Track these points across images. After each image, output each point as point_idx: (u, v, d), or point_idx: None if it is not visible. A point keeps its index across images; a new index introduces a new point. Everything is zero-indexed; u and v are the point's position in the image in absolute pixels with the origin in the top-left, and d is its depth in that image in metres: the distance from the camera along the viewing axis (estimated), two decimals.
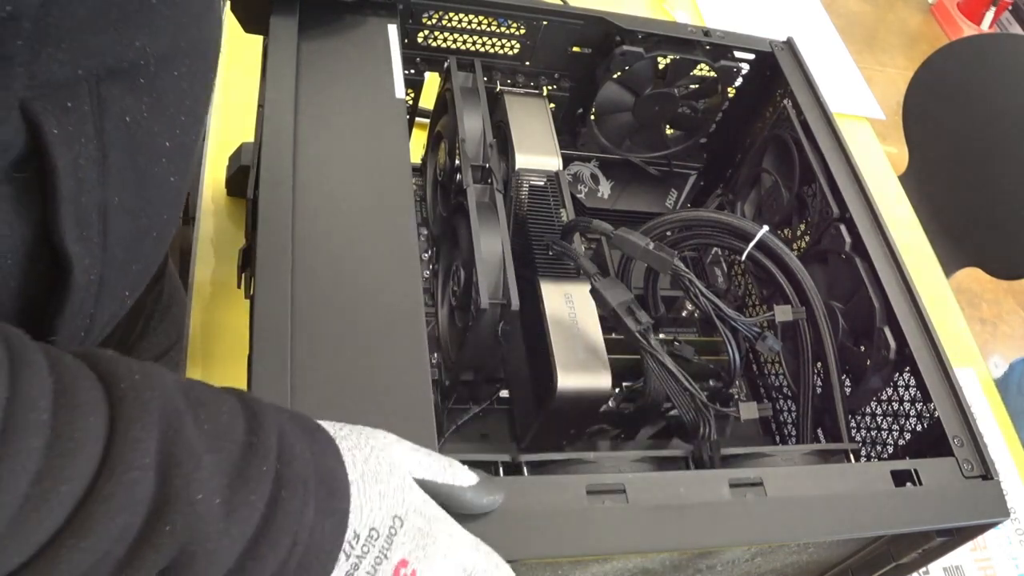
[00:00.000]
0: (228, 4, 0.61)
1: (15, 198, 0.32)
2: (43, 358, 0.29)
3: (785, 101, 0.74)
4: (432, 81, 0.74)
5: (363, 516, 0.36)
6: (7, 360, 0.28)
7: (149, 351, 0.66)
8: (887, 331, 0.60)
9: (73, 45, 0.31)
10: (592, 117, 0.79)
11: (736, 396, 0.76)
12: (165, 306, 0.66)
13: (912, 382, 0.59)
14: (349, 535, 0.35)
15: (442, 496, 0.40)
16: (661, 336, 0.76)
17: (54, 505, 0.27)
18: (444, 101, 0.71)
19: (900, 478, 0.51)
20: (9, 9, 0.27)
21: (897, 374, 0.60)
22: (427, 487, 0.40)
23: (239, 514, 0.32)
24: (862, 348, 0.63)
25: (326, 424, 0.38)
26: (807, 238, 0.71)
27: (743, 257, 0.63)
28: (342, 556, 0.35)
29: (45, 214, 0.33)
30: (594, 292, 0.58)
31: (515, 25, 0.71)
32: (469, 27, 0.71)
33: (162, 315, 0.66)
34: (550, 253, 0.62)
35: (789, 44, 0.77)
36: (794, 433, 0.69)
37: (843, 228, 0.66)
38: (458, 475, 0.40)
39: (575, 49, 0.75)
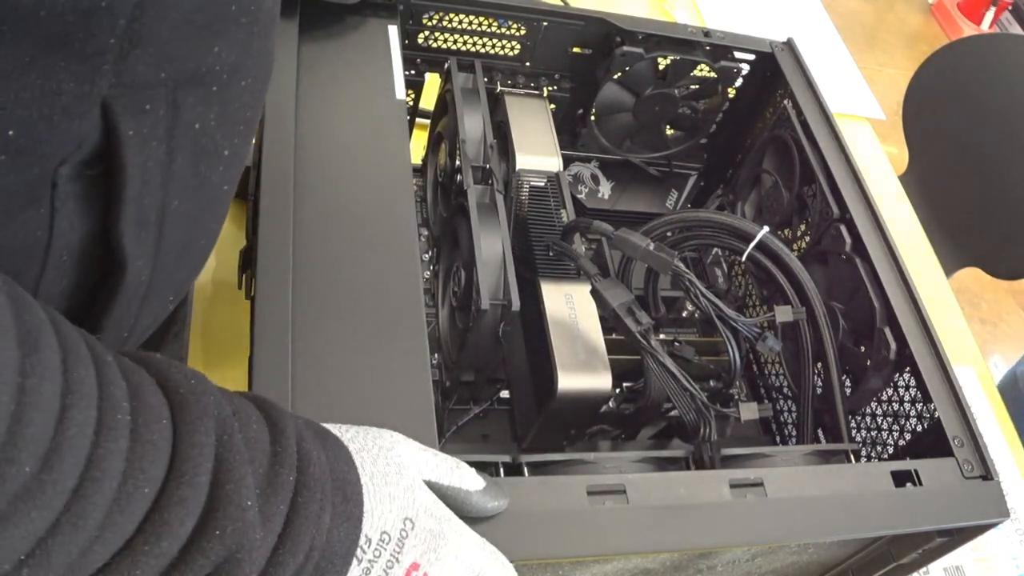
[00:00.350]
0: None
1: (81, 196, 0.32)
2: (114, 359, 0.29)
3: (785, 101, 0.75)
4: (432, 82, 0.74)
5: (374, 520, 0.36)
6: (91, 360, 0.28)
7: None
8: (887, 331, 0.60)
9: (160, 48, 0.31)
10: (592, 118, 0.79)
11: (736, 396, 0.76)
12: (184, 316, 0.66)
13: (912, 382, 0.59)
14: (361, 540, 0.36)
15: (449, 498, 0.40)
16: (661, 336, 0.76)
17: (136, 508, 0.28)
18: (444, 102, 0.71)
19: (900, 478, 0.51)
20: (106, 2, 0.27)
21: (897, 374, 0.60)
22: (434, 488, 0.40)
23: (271, 523, 0.32)
24: (862, 348, 0.63)
25: (331, 427, 0.38)
26: (807, 238, 0.72)
27: (743, 258, 0.63)
28: (354, 561, 0.35)
29: (108, 213, 0.33)
30: (594, 293, 0.58)
31: (515, 26, 0.71)
32: (469, 28, 0.71)
33: (182, 323, 0.66)
34: (550, 254, 0.62)
35: (789, 44, 0.77)
36: (794, 433, 0.69)
37: (843, 228, 0.66)
38: (466, 477, 0.40)
39: (575, 50, 0.75)
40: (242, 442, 0.32)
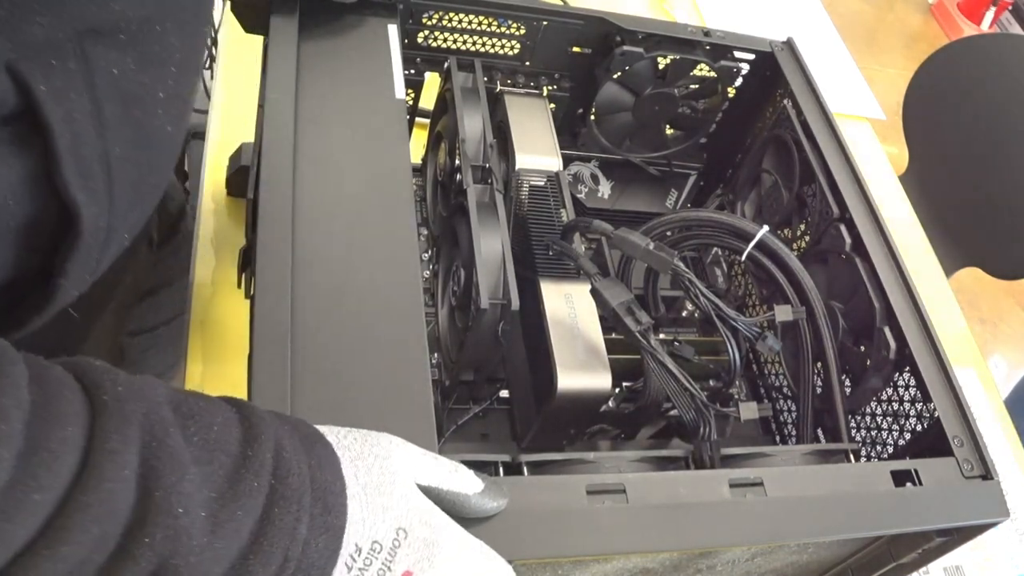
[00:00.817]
0: (228, 4, 0.61)
1: (10, 141, 0.33)
2: (23, 369, 0.29)
3: (785, 101, 0.75)
4: (432, 81, 0.74)
5: (365, 529, 0.36)
6: None
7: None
8: (887, 331, 0.60)
9: (51, 11, 0.32)
10: (592, 117, 0.79)
11: (736, 396, 0.76)
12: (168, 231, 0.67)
13: (912, 382, 0.59)
14: (351, 548, 0.35)
15: (447, 502, 0.40)
16: (661, 336, 0.76)
17: (27, 514, 0.27)
18: (444, 101, 0.71)
19: (900, 478, 0.51)
20: None
21: (897, 374, 0.60)
22: (432, 493, 0.39)
23: (226, 529, 0.32)
24: (862, 348, 0.63)
25: (329, 430, 0.38)
26: (807, 238, 0.72)
27: (743, 257, 0.63)
28: (344, 568, 0.35)
29: (49, 165, 0.34)
30: (594, 292, 0.58)
31: (515, 25, 0.71)
32: (469, 27, 0.71)
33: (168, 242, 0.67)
34: (550, 253, 0.62)
35: (789, 44, 0.77)
36: (794, 433, 0.69)
37: (843, 228, 0.66)
38: (464, 480, 0.40)
39: (575, 49, 0.75)
40: (184, 448, 0.31)
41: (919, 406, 0.58)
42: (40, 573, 0.28)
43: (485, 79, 0.70)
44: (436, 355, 0.65)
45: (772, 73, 0.77)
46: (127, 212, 0.40)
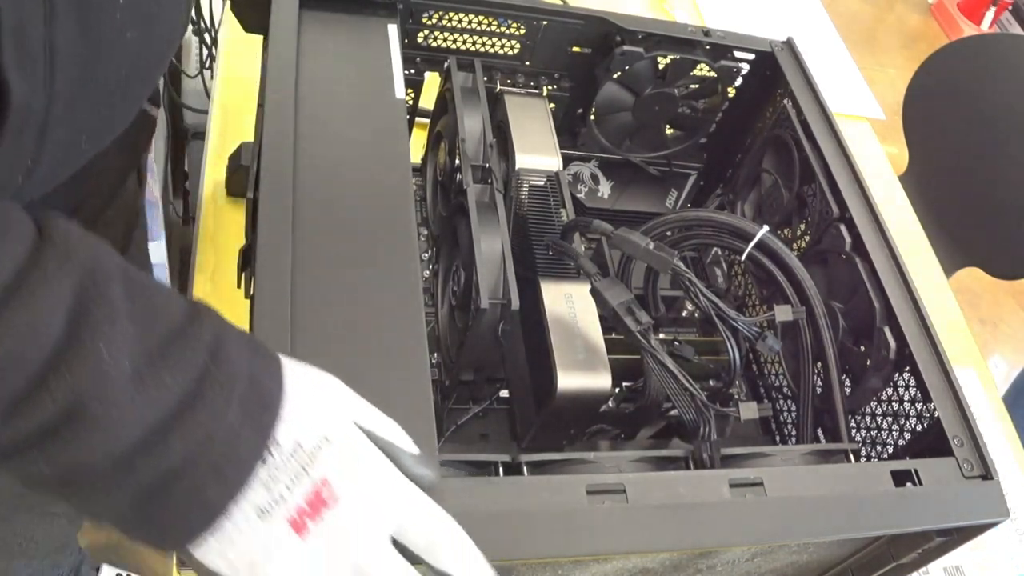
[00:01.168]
0: (228, 4, 0.61)
1: None
2: None
3: (785, 101, 0.75)
4: (432, 81, 0.74)
5: (290, 428, 0.35)
6: None
7: None
8: (887, 331, 0.60)
9: None
10: (592, 117, 0.79)
11: (736, 396, 0.76)
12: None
13: (912, 382, 0.59)
14: (271, 444, 0.35)
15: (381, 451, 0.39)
16: (661, 336, 0.76)
17: None
18: (444, 101, 0.71)
19: (900, 478, 0.51)
20: None
21: (897, 374, 0.60)
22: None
23: (150, 390, 0.32)
24: (862, 348, 0.63)
25: (284, 357, 0.38)
26: (807, 238, 0.72)
27: (743, 257, 0.63)
28: (259, 464, 0.35)
29: None
30: (594, 292, 0.58)
31: (515, 25, 0.71)
32: (469, 27, 0.71)
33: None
34: (550, 253, 0.62)
35: (789, 44, 0.77)
36: (794, 433, 0.69)
37: (843, 228, 0.66)
38: (399, 436, 0.39)
39: (575, 49, 0.75)
40: (122, 301, 0.32)
41: (919, 406, 0.58)
42: None
43: (485, 79, 0.70)
44: (436, 355, 0.65)
45: (772, 73, 0.77)
46: (72, 107, 0.40)
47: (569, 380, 0.57)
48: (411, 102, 0.76)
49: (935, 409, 0.56)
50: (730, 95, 0.79)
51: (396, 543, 0.37)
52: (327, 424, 0.37)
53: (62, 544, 0.67)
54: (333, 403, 0.38)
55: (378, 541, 0.36)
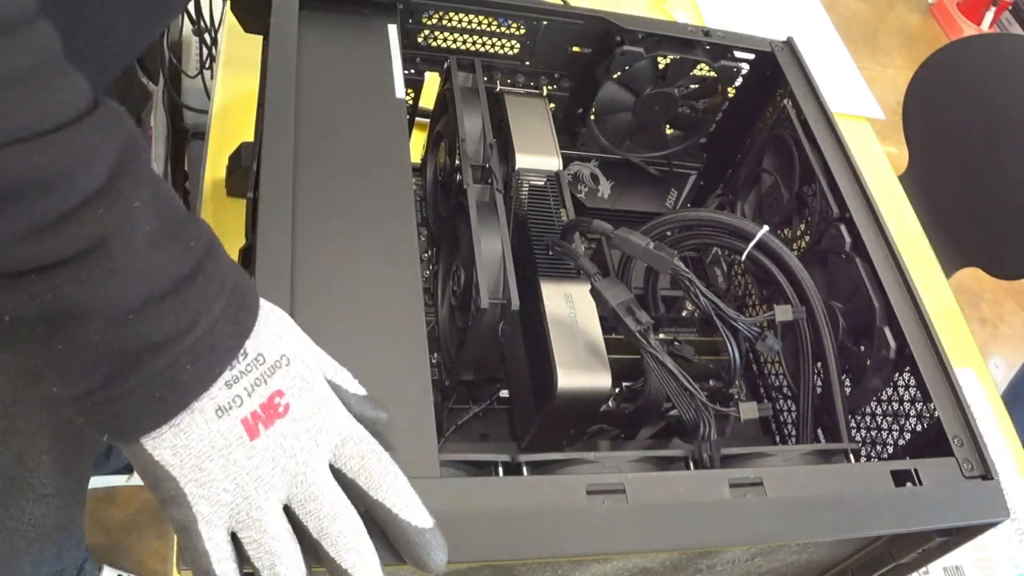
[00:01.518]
0: (228, 4, 0.61)
1: None
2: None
3: (785, 101, 0.74)
4: (432, 81, 0.74)
5: (257, 341, 0.38)
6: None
7: None
8: (887, 331, 0.60)
9: None
10: (592, 117, 0.79)
11: (736, 396, 0.76)
12: None
13: (912, 382, 0.59)
14: (240, 350, 0.37)
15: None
16: (661, 336, 0.76)
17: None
18: (444, 101, 0.71)
19: (900, 478, 0.51)
20: None
21: (897, 374, 0.60)
22: None
23: (161, 255, 0.34)
24: (862, 348, 0.63)
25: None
26: (807, 238, 0.72)
27: (743, 257, 0.63)
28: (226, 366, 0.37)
29: None
30: (594, 292, 0.58)
31: (515, 25, 0.71)
32: (469, 27, 0.71)
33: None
34: (550, 253, 0.62)
35: (789, 44, 0.77)
36: (794, 433, 0.69)
37: (843, 228, 0.66)
38: (347, 379, 0.42)
39: (575, 49, 0.75)
40: (151, 176, 0.35)
41: (919, 406, 0.58)
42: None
43: (485, 79, 0.70)
44: (436, 355, 0.65)
45: (772, 73, 0.77)
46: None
47: (569, 380, 0.57)
48: (411, 102, 0.76)
49: (935, 409, 0.56)
50: (730, 95, 0.79)
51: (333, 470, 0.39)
52: (287, 347, 0.39)
53: (60, 525, 0.67)
54: (293, 334, 0.41)
55: (317, 457, 0.38)
